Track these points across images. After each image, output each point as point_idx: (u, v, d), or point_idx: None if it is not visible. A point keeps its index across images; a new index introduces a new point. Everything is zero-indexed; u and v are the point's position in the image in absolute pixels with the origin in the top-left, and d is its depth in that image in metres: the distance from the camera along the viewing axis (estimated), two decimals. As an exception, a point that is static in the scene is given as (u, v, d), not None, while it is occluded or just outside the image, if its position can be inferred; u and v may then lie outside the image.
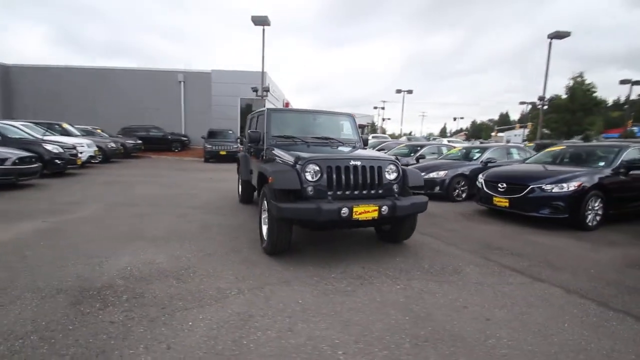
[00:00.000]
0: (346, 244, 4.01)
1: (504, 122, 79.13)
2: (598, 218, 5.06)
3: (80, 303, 2.44)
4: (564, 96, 24.16)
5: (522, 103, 36.96)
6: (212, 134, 16.72)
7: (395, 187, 3.61)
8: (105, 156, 12.81)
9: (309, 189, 3.28)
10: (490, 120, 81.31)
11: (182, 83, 21.21)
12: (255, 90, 16.56)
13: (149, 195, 6.80)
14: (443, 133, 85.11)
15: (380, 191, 3.54)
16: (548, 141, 16.41)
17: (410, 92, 31.15)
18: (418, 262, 3.49)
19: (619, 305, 2.65)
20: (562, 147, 6.56)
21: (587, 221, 4.96)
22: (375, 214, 3.30)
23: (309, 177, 3.29)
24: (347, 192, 3.40)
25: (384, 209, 3.32)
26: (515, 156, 8.36)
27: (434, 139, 23.71)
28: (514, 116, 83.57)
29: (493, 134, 51.89)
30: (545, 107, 19.90)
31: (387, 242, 4.13)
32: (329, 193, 3.33)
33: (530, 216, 5.18)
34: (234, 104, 21.06)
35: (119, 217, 5.00)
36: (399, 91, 31.14)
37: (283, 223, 3.28)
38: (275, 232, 3.30)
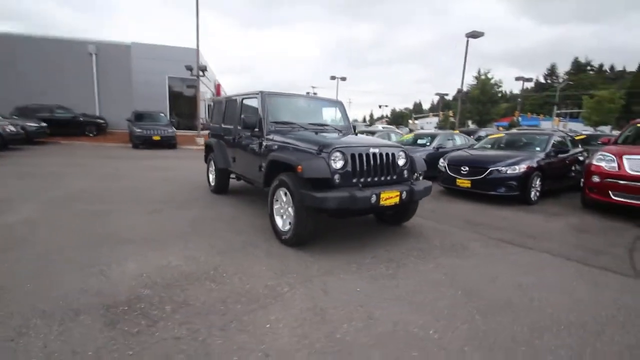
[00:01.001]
0: (351, 230, 4.08)
1: (419, 110, 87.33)
2: (537, 194, 6.09)
3: (118, 322, 2.04)
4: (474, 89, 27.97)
5: (437, 94, 41.11)
6: (139, 117, 14.75)
7: (405, 172, 3.79)
8: (3, 142, 10.36)
9: (336, 176, 3.23)
10: (406, 109, 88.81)
11: (94, 56, 18.00)
12: (190, 68, 15.04)
13: (90, 190, 5.79)
14: (372, 120, 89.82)
15: (394, 177, 3.68)
16: (472, 128, 18.75)
17: (344, 79, 32.05)
18: (430, 242, 3.77)
19: (595, 263, 3.30)
20: (501, 135, 7.63)
21: (532, 197, 5.94)
22: (397, 199, 3.44)
23: (335, 164, 3.24)
24: (369, 179, 3.45)
25: (404, 194, 3.48)
26: (458, 142, 9.40)
27: (368, 126, 24.84)
28: (426, 105, 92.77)
29: (410, 121, 56.82)
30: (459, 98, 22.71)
31: (388, 225, 4.33)
32: (354, 180, 3.34)
33: (489, 195, 5.97)
34: (160, 83, 18.83)
35: (72, 217, 4.19)
36: (332, 77, 31.76)
37: (313, 213, 3.19)
38: (304, 222, 3.18)
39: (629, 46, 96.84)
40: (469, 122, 31.24)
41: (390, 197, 3.36)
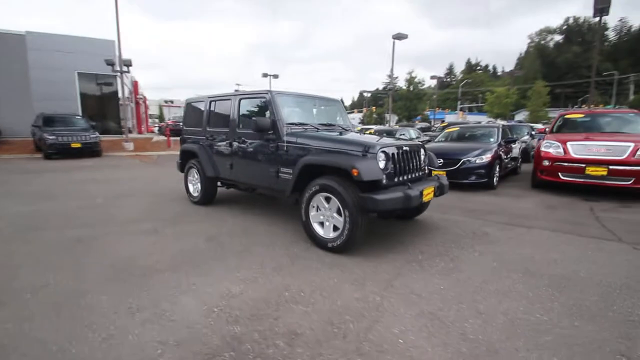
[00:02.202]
0: (371, 230, 4.10)
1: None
2: (497, 179, 6.96)
3: (239, 369, 1.71)
4: (393, 88, 30.47)
5: (363, 92, 43.49)
6: (49, 121, 12.26)
7: (426, 168, 3.96)
8: None
9: (384, 177, 3.21)
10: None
11: (-32, 46, 14.31)
12: (111, 63, 13.03)
13: (38, 213, 4.68)
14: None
15: (420, 173, 3.81)
16: (409, 123, 20.34)
17: (276, 76, 31.35)
18: (453, 232, 4.01)
19: (586, 234, 3.94)
20: (456, 129, 8.48)
21: (494, 182, 6.76)
22: (432, 195, 3.59)
23: (382, 165, 3.21)
24: (405, 177, 3.51)
25: (437, 189, 3.64)
26: (413, 135, 10.12)
27: None
28: (347, 102, 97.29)
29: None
30: (385, 96, 24.53)
31: (400, 221, 4.45)
32: (395, 180, 3.36)
33: (462, 183, 6.60)
34: (67, 80, 15.92)
35: (54, 249, 3.34)
36: (265, 75, 30.80)
37: (365, 215, 3.11)
38: (359, 226, 3.09)
39: (505, 49, 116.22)
40: (388, 118, 33.98)
41: (429, 193, 3.48)
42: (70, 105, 15.32)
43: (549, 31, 71.40)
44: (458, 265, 3.05)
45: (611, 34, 66.41)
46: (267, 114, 4.07)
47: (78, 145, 11.67)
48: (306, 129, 4.05)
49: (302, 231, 3.89)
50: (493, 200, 5.82)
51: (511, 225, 4.31)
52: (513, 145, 8.22)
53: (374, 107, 58.27)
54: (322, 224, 3.43)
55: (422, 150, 3.91)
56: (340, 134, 3.99)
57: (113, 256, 3.20)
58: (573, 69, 60.94)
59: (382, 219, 4.22)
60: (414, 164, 3.67)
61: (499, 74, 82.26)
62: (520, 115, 34.39)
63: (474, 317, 2.22)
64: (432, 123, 29.31)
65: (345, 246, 3.19)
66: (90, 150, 12.05)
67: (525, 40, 79.92)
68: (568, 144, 6.00)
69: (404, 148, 3.57)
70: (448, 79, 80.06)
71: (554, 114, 36.41)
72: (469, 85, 58.27)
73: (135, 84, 23.52)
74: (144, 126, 27.35)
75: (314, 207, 3.45)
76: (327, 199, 3.32)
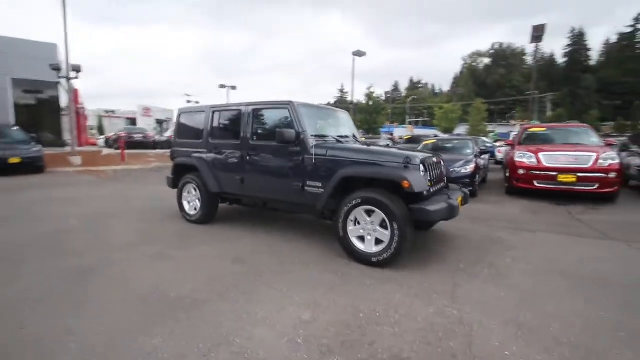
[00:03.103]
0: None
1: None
2: (477, 188, 7.45)
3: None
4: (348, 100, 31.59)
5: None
6: (-23, 133, 10.45)
7: (445, 178, 4.09)
8: None
9: (429, 188, 3.24)
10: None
11: None
12: (57, 68, 11.61)
13: (14, 240, 3.92)
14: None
15: (443, 183, 3.92)
16: (375, 135, 21.09)
17: (234, 87, 30.46)
18: (472, 239, 4.15)
19: (582, 235, 4.34)
20: (433, 141, 8.97)
21: (476, 191, 7.23)
22: (461, 204, 3.70)
23: (423, 176, 3.23)
24: (436, 188, 3.58)
25: (463, 198, 3.77)
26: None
27: None
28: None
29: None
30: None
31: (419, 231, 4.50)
32: (431, 190, 3.41)
33: (449, 192, 6.94)
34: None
35: (61, 281, 2.79)
36: (222, 86, 29.76)
37: (412, 227, 3.09)
38: (408, 238, 3.05)
39: (442, 69, 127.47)
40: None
41: (459, 202, 3.58)
42: (1, 114, 13.26)
43: (479, 54, 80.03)
44: (500, 272, 3.15)
45: (529, 59, 76.50)
46: (284, 125, 3.91)
47: (17, 160, 10.06)
48: (326, 141, 3.96)
49: (327, 246, 3.81)
50: (481, 207, 6.19)
51: (517, 230, 4.61)
52: (483, 156, 8.92)
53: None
54: (361, 238, 3.33)
55: (441, 160, 4.04)
56: (368, 145, 3.97)
57: (135, 288, 2.76)
58: (500, 88, 68.78)
59: (420, 230, 4.16)
60: (439, 174, 3.77)
61: (436, 91, 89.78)
62: (461, 129, 37.68)
63: (551, 320, 2.29)
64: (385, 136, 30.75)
65: (391, 260, 3.12)
66: (32, 166, 10.45)
67: (459, 61, 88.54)
68: (540, 154, 6.66)
69: (433, 159, 3.66)
70: (394, 95, 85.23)
71: (491, 128, 40.79)
72: (415, 101, 62.57)
73: (75, 92, 21.19)
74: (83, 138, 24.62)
75: (352, 221, 3.34)
76: (368, 212, 3.25)
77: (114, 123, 49.41)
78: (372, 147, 3.75)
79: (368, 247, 3.27)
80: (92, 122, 38.04)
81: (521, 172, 6.80)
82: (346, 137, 4.44)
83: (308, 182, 3.72)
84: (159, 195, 7.30)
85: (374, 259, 3.19)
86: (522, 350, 1.97)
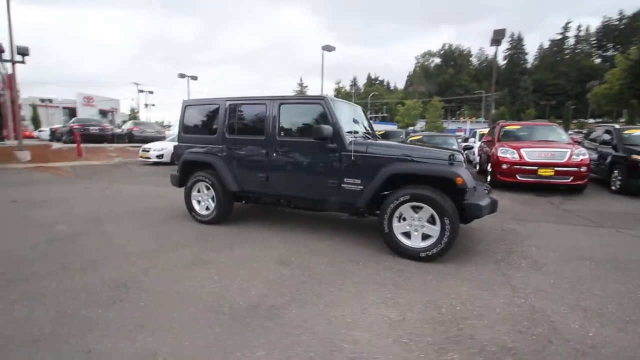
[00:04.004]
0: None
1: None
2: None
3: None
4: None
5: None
6: None
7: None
8: None
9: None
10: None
11: None
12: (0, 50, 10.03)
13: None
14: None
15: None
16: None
17: (194, 78, 28.45)
18: (488, 231, 4.41)
19: (574, 223, 4.84)
20: (419, 136, 9.33)
21: (464, 184, 7.67)
22: (489, 200, 3.91)
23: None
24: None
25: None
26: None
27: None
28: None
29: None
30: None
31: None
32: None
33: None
34: None
35: (78, 304, 2.46)
36: (182, 75, 27.62)
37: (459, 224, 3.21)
38: (455, 234, 3.16)
39: (397, 67, 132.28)
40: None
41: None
42: None
43: (430, 54, 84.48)
44: (536, 261, 3.39)
45: (474, 60, 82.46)
46: (316, 121, 3.82)
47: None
48: (356, 136, 3.94)
49: (364, 243, 3.85)
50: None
51: (521, 220, 4.99)
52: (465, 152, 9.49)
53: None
54: (405, 234, 3.39)
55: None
56: (403, 141, 4.02)
57: (195, 299, 2.53)
58: (450, 87, 73.41)
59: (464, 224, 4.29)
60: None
61: (391, 88, 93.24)
62: (419, 125, 39.71)
63: (606, 301, 2.53)
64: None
65: (440, 254, 3.22)
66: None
67: (413, 60, 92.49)
68: (522, 150, 7.25)
69: (463, 155, 3.82)
70: (353, 90, 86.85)
71: (446, 124, 43.71)
72: (373, 97, 64.42)
73: (9, 77, 18.50)
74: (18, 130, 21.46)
75: (397, 217, 3.38)
76: (414, 208, 3.31)
77: (51, 113, 44.30)
78: (411, 145, 3.81)
79: (415, 242, 3.33)
80: (24, 112, 33.55)
81: (504, 166, 7.35)
82: (369, 132, 4.46)
83: (345, 179, 3.68)
84: (147, 194, 6.75)
85: (422, 254, 3.26)
86: (601, 331, 2.16)
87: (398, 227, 3.39)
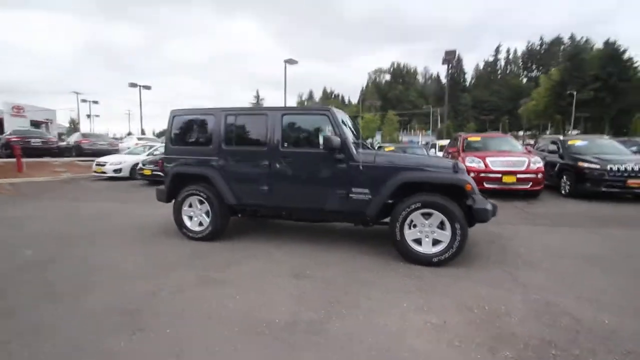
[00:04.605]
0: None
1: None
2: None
3: None
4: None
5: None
6: None
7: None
8: None
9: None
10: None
11: None
12: None
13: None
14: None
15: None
16: None
17: (148, 87, 26.54)
18: (479, 236, 4.70)
19: (550, 224, 5.35)
20: (392, 148, 9.71)
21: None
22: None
23: (467, 180, 3.58)
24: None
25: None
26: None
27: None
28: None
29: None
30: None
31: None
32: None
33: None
34: None
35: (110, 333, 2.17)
36: (133, 85, 25.58)
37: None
38: (465, 238, 3.33)
39: (351, 82, 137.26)
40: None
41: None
42: None
43: (381, 71, 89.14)
44: (530, 260, 3.64)
45: (420, 78, 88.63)
46: (319, 132, 3.85)
47: None
48: (357, 147, 4.01)
49: (369, 251, 3.89)
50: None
51: (500, 224, 5.34)
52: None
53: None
54: (416, 240, 3.49)
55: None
56: (405, 151, 4.16)
57: (224, 321, 2.36)
58: (400, 102, 77.82)
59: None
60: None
61: (346, 102, 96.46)
62: (377, 137, 41.52)
63: (605, 294, 2.81)
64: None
65: (452, 258, 3.36)
66: None
67: (365, 76, 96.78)
68: (487, 159, 7.89)
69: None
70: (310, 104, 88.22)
71: (401, 137, 46.14)
72: (329, 110, 65.93)
73: None
74: None
75: (408, 224, 3.47)
76: (424, 215, 3.43)
77: (-30, 123, 38.59)
78: (414, 155, 3.96)
79: (426, 248, 3.44)
80: None
81: (472, 175, 7.90)
82: (357, 139, 4.56)
83: (353, 189, 3.71)
84: (115, 212, 6.17)
85: (434, 259, 3.38)
86: (613, 319, 2.39)
87: (409, 234, 3.48)
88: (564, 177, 8.18)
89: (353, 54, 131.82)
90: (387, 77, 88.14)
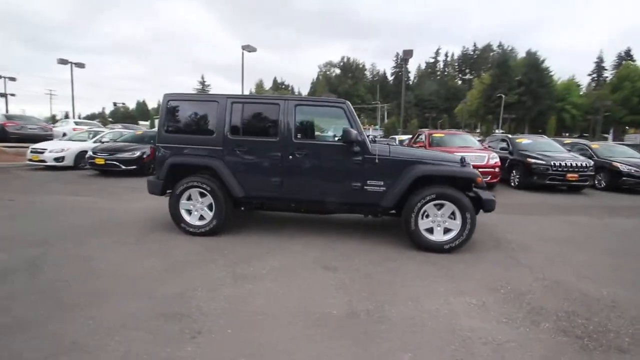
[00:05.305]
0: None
1: (143, 110, 79.29)
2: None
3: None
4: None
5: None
6: None
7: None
8: None
9: (480, 183, 3.92)
10: (123, 105, 77.04)
11: None
12: None
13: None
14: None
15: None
16: None
17: (81, 65, 22.84)
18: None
19: (525, 213, 6.03)
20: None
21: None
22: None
23: (468, 173, 3.90)
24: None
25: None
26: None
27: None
28: (152, 104, 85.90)
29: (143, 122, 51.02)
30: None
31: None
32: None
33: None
34: None
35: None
36: (63, 62, 21.77)
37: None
38: (474, 227, 3.63)
39: (301, 73, 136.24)
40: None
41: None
42: None
43: (332, 65, 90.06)
44: (521, 245, 4.09)
45: (368, 74, 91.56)
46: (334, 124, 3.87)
47: None
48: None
49: (383, 241, 4.07)
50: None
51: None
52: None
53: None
54: (428, 229, 3.71)
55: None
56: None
57: (279, 317, 2.30)
58: (350, 97, 79.70)
59: None
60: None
61: (296, 93, 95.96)
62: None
63: (592, 269, 3.32)
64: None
65: (461, 245, 3.66)
66: None
67: (316, 68, 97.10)
68: (455, 154, 8.55)
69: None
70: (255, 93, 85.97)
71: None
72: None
73: None
74: None
75: (422, 215, 3.68)
76: (437, 206, 3.67)
77: None
78: (423, 149, 4.17)
79: (438, 236, 3.69)
80: None
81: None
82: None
83: (369, 181, 3.80)
84: (85, 207, 5.52)
85: (446, 247, 3.65)
86: (612, 290, 2.83)
87: (422, 224, 3.69)
88: (514, 171, 9.24)
89: (304, 45, 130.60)
90: (338, 71, 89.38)
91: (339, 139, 3.87)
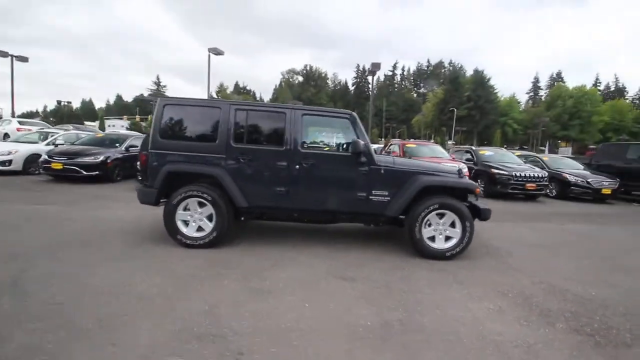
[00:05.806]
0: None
1: (90, 109, 73.21)
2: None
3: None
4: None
5: (137, 98, 37.58)
6: None
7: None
8: None
9: (474, 193, 4.17)
10: (66, 104, 70.53)
11: None
12: None
13: None
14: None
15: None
16: None
17: (24, 59, 19.99)
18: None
19: (512, 221, 6.48)
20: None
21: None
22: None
23: (466, 183, 4.15)
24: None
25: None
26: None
27: None
28: (98, 104, 79.59)
29: (91, 123, 47.14)
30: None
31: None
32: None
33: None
34: None
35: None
36: (3, 54, 18.97)
37: (472, 225, 3.94)
38: (473, 234, 3.86)
39: (264, 79, 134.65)
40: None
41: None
42: None
43: (294, 72, 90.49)
44: (506, 250, 4.43)
45: (330, 83, 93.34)
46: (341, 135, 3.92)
47: None
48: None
49: (385, 250, 4.15)
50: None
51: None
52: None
53: (138, 117, 52.50)
54: (430, 238, 3.87)
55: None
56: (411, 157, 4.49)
57: (318, 331, 2.25)
58: (312, 105, 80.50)
59: None
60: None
61: (257, 99, 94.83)
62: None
63: (577, 273, 3.68)
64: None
65: (461, 253, 3.86)
66: None
67: (279, 75, 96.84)
68: (427, 164, 9.01)
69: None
70: (219, 96, 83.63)
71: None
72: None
73: None
74: None
75: (425, 224, 3.83)
76: (439, 215, 3.85)
77: None
78: (424, 161, 4.35)
79: (439, 244, 3.87)
80: None
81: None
82: None
83: (374, 191, 3.88)
84: (51, 217, 4.96)
85: (447, 254, 3.83)
86: (598, 291, 3.16)
87: (425, 233, 3.85)
88: (479, 180, 9.94)
89: (266, 51, 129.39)
90: (300, 78, 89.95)
91: (345, 149, 3.92)
